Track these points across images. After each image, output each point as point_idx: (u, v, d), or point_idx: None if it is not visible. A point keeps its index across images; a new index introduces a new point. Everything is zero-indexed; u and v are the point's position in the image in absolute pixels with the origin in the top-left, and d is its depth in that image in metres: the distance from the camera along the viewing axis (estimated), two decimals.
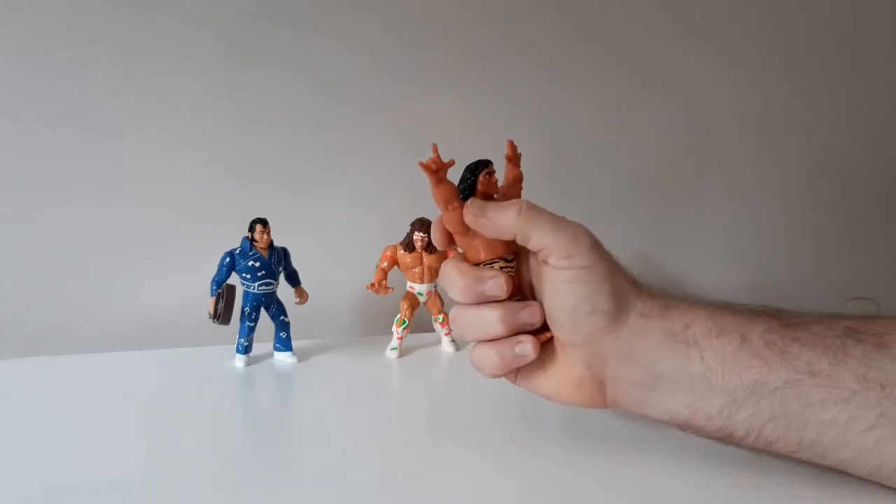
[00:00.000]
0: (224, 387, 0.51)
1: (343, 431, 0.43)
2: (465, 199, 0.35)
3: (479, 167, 0.35)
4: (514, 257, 0.36)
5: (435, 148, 0.33)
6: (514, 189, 0.37)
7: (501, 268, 0.35)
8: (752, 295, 0.84)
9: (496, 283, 0.34)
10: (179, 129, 0.65)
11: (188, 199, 0.67)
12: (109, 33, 0.62)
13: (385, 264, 0.56)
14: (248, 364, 0.54)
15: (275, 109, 0.67)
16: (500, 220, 0.33)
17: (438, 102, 0.72)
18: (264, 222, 0.52)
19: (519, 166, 0.38)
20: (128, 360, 0.55)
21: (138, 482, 0.36)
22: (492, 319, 0.34)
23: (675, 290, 0.36)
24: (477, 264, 0.35)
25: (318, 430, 0.43)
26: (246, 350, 0.54)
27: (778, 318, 0.32)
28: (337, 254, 0.70)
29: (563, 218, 0.34)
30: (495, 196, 0.36)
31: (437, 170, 0.33)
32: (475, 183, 0.35)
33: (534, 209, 0.34)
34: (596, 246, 0.33)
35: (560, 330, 0.34)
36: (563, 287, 0.33)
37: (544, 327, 0.35)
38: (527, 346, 0.33)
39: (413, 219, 0.55)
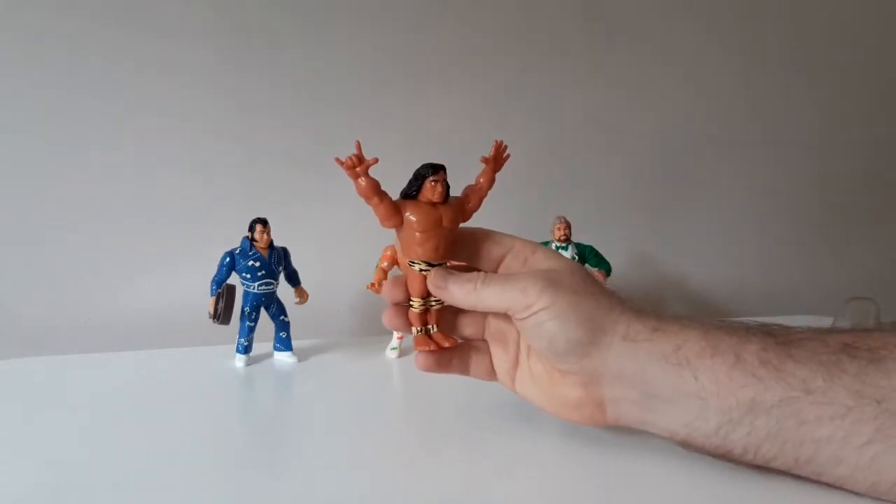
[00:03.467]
0: (224, 387, 0.51)
1: (343, 431, 0.43)
2: (406, 198, 0.35)
3: (427, 172, 0.34)
4: (437, 263, 0.36)
5: (357, 145, 0.33)
6: (474, 196, 0.36)
7: (421, 269, 0.35)
8: (751, 297, 0.84)
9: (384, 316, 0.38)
10: (180, 132, 0.66)
11: (189, 200, 0.67)
12: (113, 40, 0.63)
13: (385, 264, 0.56)
14: (248, 364, 0.54)
15: (276, 112, 0.68)
16: (455, 298, 0.35)
17: (437, 105, 0.72)
18: (264, 222, 0.52)
19: (496, 171, 0.36)
20: (128, 360, 0.55)
21: (138, 482, 0.36)
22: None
23: (672, 291, 0.36)
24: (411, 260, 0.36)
25: (318, 429, 0.43)
26: (246, 350, 0.54)
27: (773, 336, 0.32)
28: (337, 254, 0.70)
29: (511, 275, 0.35)
30: (437, 202, 0.34)
31: (354, 167, 0.33)
32: (420, 187, 0.34)
33: (484, 283, 0.34)
34: (550, 286, 0.33)
35: (552, 361, 0.35)
36: (533, 331, 0.34)
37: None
38: (418, 360, 0.37)
39: None
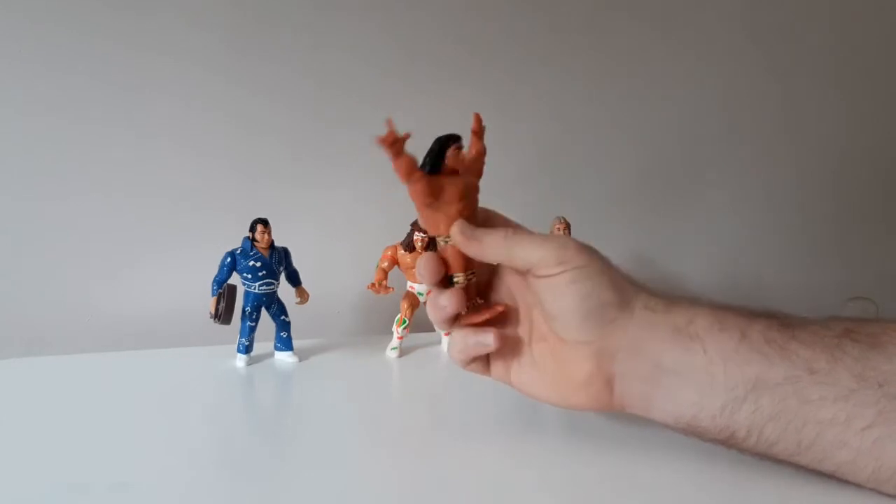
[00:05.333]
0: (225, 386, 0.51)
1: (343, 431, 0.43)
2: (430, 171, 0.35)
3: (449, 141, 0.35)
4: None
5: (390, 122, 0.34)
6: (477, 164, 0.37)
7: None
8: (751, 296, 0.84)
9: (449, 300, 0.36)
10: (181, 130, 0.65)
11: (190, 200, 0.67)
12: (111, 29, 0.62)
13: (385, 264, 0.56)
14: (248, 364, 0.54)
15: (278, 110, 0.67)
16: (486, 247, 0.35)
17: (439, 102, 0.72)
18: (265, 222, 0.53)
19: (482, 140, 0.37)
20: (128, 359, 0.55)
21: (139, 482, 0.36)
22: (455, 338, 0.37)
23: (675, 291, 0.36)
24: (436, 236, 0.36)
25: (319, 429, 0.43)
26: (247, 350, 0.54)
27: (777, 319, 0.33)
28: (337, 254, 0.70)
29: (542, 234, 0.36)
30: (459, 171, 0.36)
31: (394, 143, 0.33)
32: (442, 155, 0.35)
33: (520, 231, 0.35)
34: (585, 248, 0.34)
35: (568, 329, 0.34)
36: (564, 289, 0.33)
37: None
38: (488, 336, 0.35)
39: (413, 219, 0.55)
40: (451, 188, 0.35)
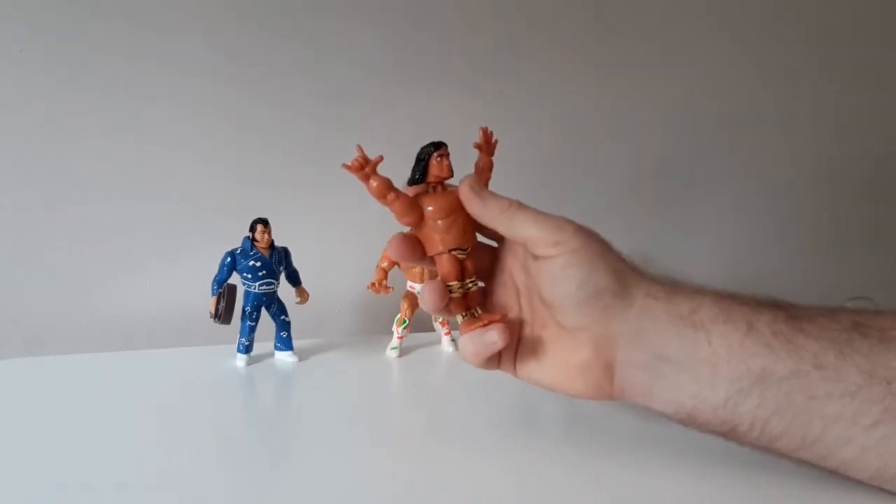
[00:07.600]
0: (225, 386, 0.51)
1: (343, 431, 0.43)
2: (411, 182, 0.35)
3: (430, 150, 0.34)
4: (468, 247, 0.35)
5: (359, 149, 0.33)
6: (482, 178, 0.36)
7: (451, 251, 0.34)
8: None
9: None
10: (181, 131, 0.65)
11: (190, 200, 0.67)
12: (113, 35, 0.62)
13: (385, 264, 0.56)
14: (248, 363, 0.54)
15: (277, 111, 0.67)
16: (488, 209, 0.34)
17: (438, 102, 0.72)
18: (265, 222, 0.53)
19: (491, 154, 0.37)
20: (129, 359, 0.55)
21: (139, 482, 0.36)
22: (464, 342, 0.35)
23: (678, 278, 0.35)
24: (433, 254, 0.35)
25: (319, 429, 0.43)
26: (247, 349, 0.54)
27: (784, 310, 0.32)
28: (338, 254, 0.70)
29: (544, 212, 0.34)
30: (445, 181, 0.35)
31: (362, 168, 0.33)
32: (426, 167, 0.34)
33: (520, 206, 0.34)
34: (582, 230, 0.33)
35: (565, 315, 0.33)
36: (560, 273, 0.33)
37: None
38: (493, 334, 0.33)
39: None
40: (439, 204, 0.34)
